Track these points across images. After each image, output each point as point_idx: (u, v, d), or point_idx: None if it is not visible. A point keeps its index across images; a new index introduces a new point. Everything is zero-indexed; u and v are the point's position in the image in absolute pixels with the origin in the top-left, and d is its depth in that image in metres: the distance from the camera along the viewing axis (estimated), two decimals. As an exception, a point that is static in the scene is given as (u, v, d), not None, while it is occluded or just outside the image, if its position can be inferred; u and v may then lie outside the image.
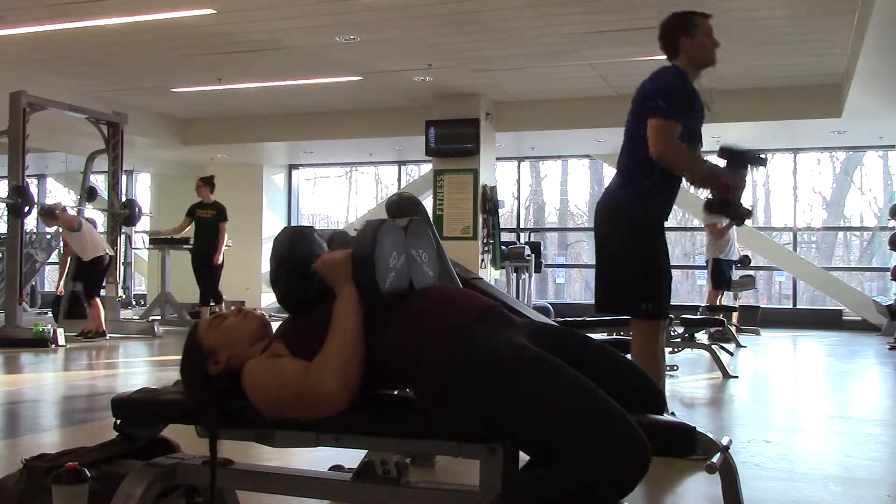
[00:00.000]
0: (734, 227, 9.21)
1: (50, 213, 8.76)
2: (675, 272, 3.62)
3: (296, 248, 1.91)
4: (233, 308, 2.04)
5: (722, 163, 3.29)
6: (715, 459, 1.66)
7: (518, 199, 13.84)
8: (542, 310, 8.28)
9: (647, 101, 3.23)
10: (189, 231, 9.93)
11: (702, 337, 7.59)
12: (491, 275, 10.53)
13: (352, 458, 2.23)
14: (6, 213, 9.01)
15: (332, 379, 1.74)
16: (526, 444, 1.64)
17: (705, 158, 3.34)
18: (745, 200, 3.40)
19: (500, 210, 10.93)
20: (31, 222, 10.85)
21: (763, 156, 3.32)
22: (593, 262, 3.64)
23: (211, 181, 9.76)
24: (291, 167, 14.90)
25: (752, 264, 10.63)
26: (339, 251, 1.92)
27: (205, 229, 9.65)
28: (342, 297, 1.82)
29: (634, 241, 3.32)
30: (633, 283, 3.30)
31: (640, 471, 1.52)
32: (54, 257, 11.96)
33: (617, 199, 3.37)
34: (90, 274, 8.60)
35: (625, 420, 1.54)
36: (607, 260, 3.42)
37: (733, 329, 8.66)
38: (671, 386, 5.24)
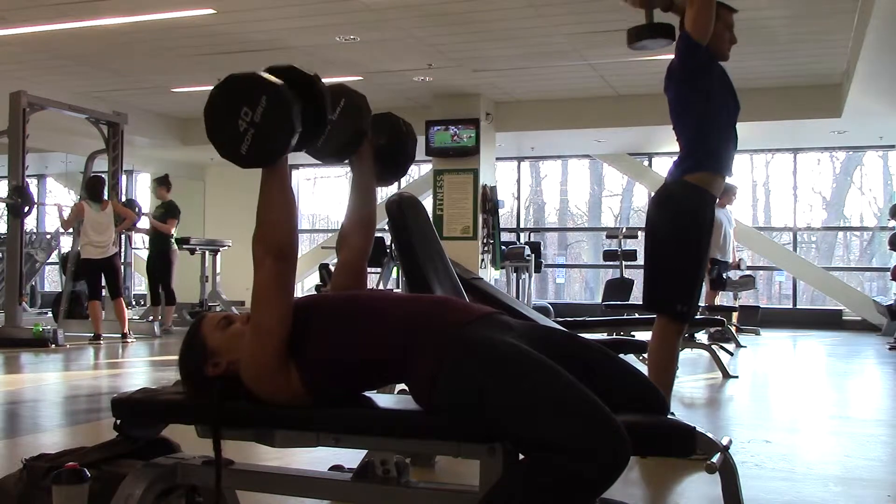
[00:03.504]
0: (732, 227, 9.20)
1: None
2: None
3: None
4: (243, 314, 1.99)
5: None
6: (715, 459, 1.66)
7: (518, 199, 13.83)
8: (542, 310, 8.26)
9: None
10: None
11: (702, 337, 7.59)
12: (491, 275, 10.53)
13: (352, 458, 2.23)
14: (6, 212, 8.99)
15: (262, 246, 1.83)
16: (516, 440, 1.64)
17: None
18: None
19: (500, 210, 10.93)
20: (31, 222, 10.83)
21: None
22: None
23: (163, 180, 9.99)
24: (291, 167, 14.83)
25: (751, 264, 10.61)
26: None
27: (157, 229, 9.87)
28: None
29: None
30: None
31: (620, 465, 1.52)
32: (54, 257, 11.95)
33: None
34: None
35: (607, 415, 1.54)
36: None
37: (733, 329, 8.66)
38: (671, 386, 5.23)
